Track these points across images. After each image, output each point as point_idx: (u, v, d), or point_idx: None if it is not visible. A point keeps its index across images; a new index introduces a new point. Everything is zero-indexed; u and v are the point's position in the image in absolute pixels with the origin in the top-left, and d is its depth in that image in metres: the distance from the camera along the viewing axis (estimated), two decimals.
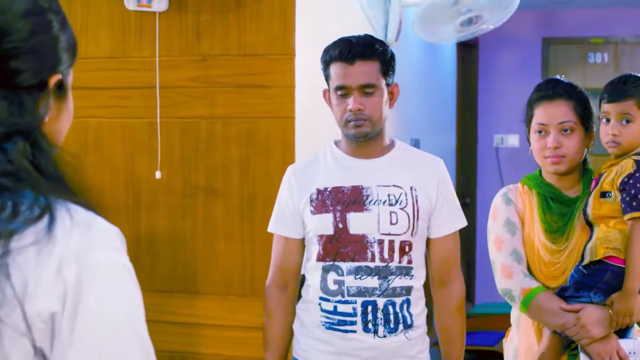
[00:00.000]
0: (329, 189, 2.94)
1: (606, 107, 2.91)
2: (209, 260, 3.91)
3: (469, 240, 8.15)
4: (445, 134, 7.88)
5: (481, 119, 8.64)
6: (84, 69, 3.90)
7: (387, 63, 2.93)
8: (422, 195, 2.94)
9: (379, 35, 4.88)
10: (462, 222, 3.04)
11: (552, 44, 8.60)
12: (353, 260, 2.88)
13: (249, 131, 3.83)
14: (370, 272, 2.88)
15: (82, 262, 1.19)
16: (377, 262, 2.88)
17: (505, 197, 3.07)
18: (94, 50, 4.01)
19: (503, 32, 7.81)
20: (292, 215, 3.01)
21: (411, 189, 2.93)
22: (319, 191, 2.96)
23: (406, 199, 2.91)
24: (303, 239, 3.04)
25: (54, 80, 1.32)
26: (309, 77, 3.86)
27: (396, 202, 2.91)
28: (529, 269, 2.99)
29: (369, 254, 2.88)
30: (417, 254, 2.95)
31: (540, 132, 2.98)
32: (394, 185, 2.93)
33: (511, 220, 3.02)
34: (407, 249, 2.91)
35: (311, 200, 2.96)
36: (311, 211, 2.95)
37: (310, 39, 3.91)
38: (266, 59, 3.81)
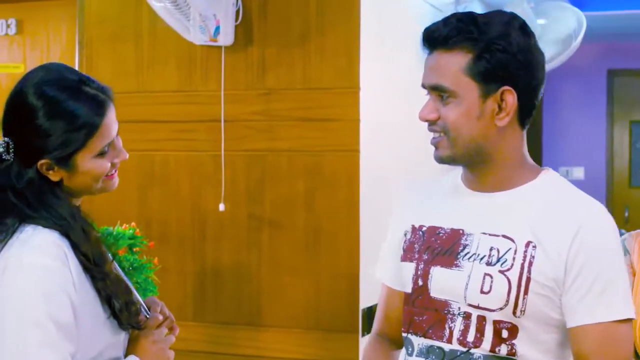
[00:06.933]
0: (424, 228, 2.06)
1: None
2: (274, 293, 3.90)
3: None
4: None
5: (546, 151, 8.55)
6: (150, 102, 3.96)
7: (485, 56, 1.91)
8: (542, 258, 1.89)
9: None
10: (621, 312, 1.88)
11: (617, 75, 8.52)
12: (425, 335, 1.99)
13: (313, 164, 3.84)
14: (442, 357, 1.96)
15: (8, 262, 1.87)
16: (455, 345, 1.94)
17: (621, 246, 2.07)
18: (160, 84, 4.06)
19: (567, 64, 7.75)
20: (392, 258, 2.15)
21: (528, 244, 1.91)
22: (413, 229, 2.08)
23: (513, 259, 1.90)
24: None
25: (39, 164, 1.94)
26: (373, 111, 3.86)
27: (497, 261, 1.91)
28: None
29: (446, 331, 1.96)
30: (529, 346, 1.92)
31: None
32: (503, 236, 1.93)
33: None
34: (505, 334, 1.90)
35: (404, 241, 2.11)
36: (401, 255, 2.10)
37: (375, 72, 3.92)
38: (331, 92, 3.81)
